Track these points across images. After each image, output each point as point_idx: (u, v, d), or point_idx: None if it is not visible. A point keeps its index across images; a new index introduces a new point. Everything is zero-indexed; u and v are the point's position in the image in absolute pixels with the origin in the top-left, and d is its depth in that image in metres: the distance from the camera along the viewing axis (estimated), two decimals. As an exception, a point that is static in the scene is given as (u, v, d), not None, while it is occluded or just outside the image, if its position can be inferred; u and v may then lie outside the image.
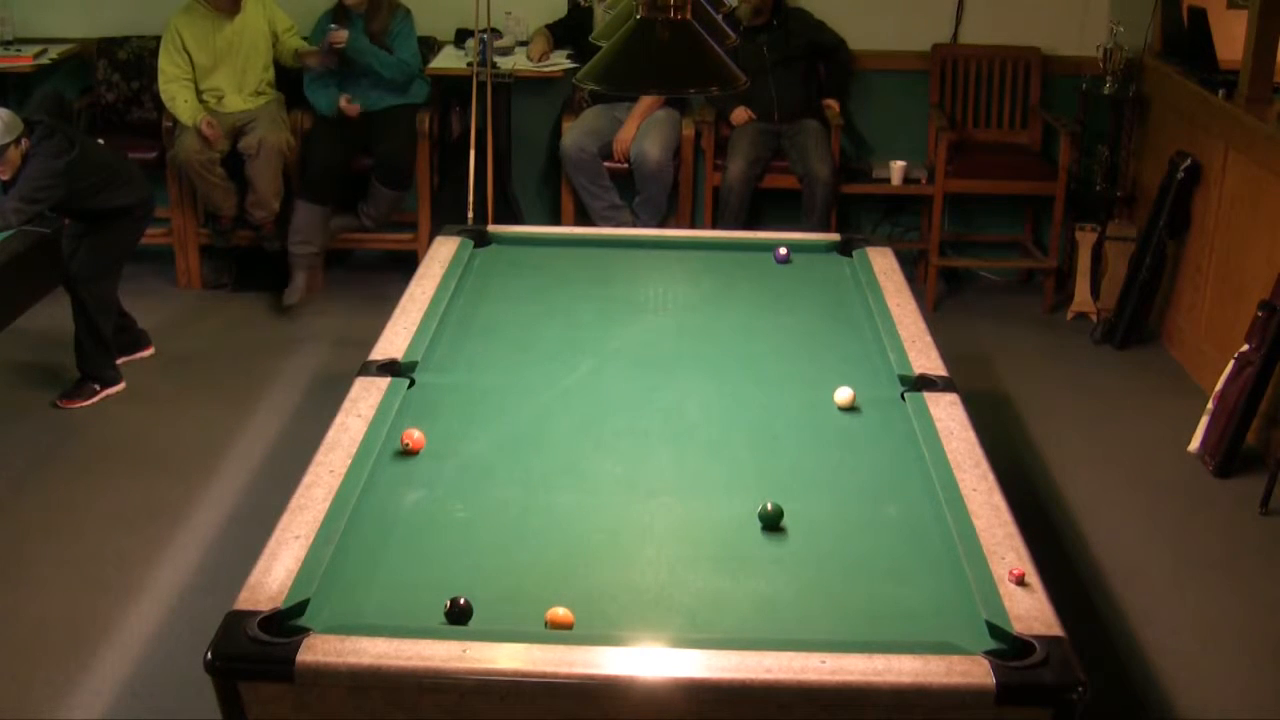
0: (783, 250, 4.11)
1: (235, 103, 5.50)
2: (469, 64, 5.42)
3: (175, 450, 4.36)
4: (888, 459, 2.88)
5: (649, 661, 2.10)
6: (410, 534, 2.54)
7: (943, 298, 5.86)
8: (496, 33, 5.62)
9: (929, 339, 3.42)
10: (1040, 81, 5.85)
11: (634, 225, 5.53)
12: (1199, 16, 5.32)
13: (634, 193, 5.61)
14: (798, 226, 5.35)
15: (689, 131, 5.66)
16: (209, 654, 2.09)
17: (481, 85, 5.37)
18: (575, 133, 5.60)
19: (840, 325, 3.63)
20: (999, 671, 2.06)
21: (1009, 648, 2.14)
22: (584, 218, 5.67)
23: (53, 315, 4.73)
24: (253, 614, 2.17)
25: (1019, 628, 2.18)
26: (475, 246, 4.09)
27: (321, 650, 2.08)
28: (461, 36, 5.78)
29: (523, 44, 5.78)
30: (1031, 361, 5.23)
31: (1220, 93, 4.94)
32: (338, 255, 5.95)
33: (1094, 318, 5.55)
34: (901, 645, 2.14)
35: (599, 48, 2.48)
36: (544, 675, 2.07)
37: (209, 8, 5.44)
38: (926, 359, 3.30)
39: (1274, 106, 4.75)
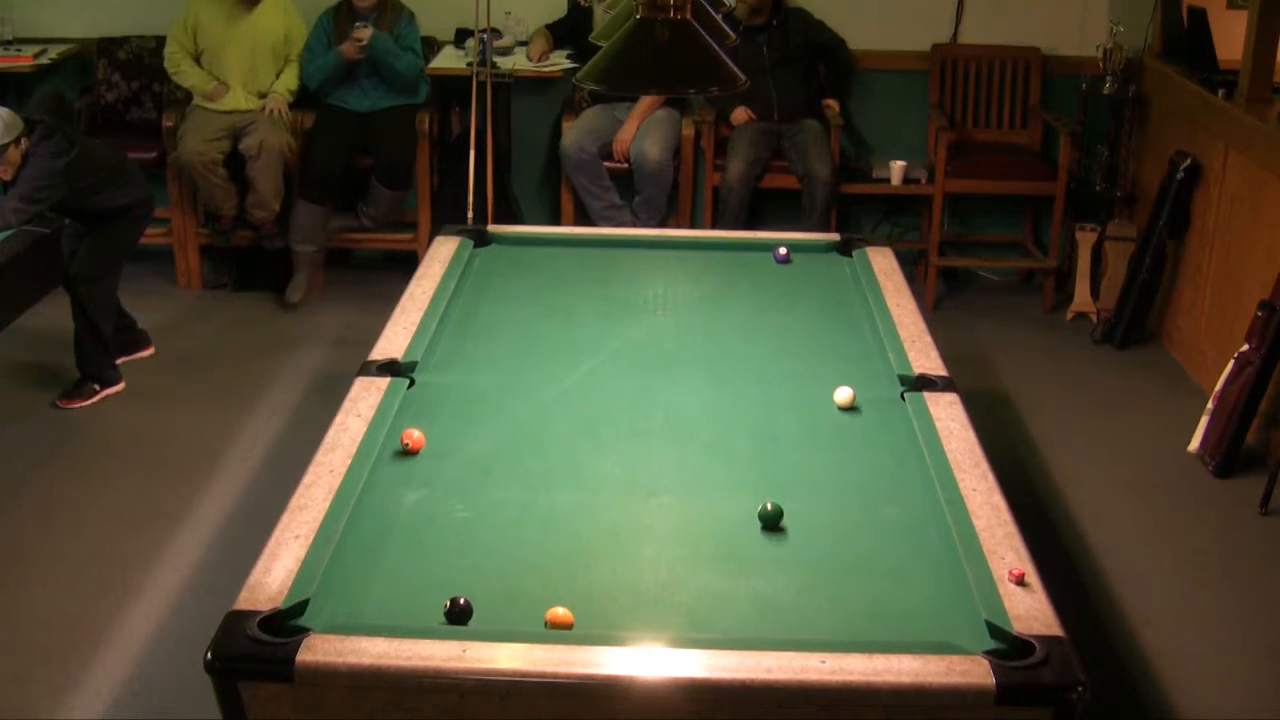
0: (783, 250, 4.11)
1: (238, 97, 5.50)
2: (469, 64, 5.42)
3: (175, 450, 4.36)
4: (888, 459, 2.88)
5: (649, 661, 2.10)
6: (410, 534, 2.54)
7: (943, 298, 5.86)
8: (496, 33, 5.62)
9: (929, 339, 3.42)
10: (1040, 81, 5.85)
11: (634, 225, 5.53)
12: (1199, 16, 5.32)
13: (634, 193, 5.61)
14: (798, 226, 5.34)
15: (689, 131, 5.66)
16: (209, 654, 2.09)
17: (481, 85, 5.37)
18: (575, 133, 5.60)
19: (840, 325, 3.63)
20: (999, 671, 2.06)
21: (1009, 648, 2.14)
22: (584, 218, 5.67)
23: (53, 315, 4.73)
24: (253, 614, 2.17)
25: (1019, 628, 2.18)
26: (475, 246, 4.09)
27: (321, 650, 2.08)
28: (461, 36, 5.78)
29: (523, 44, 5.78)
30: (1031, 361, 5.23)
31: (1220, 93, 4.94)
32: (338, 255, 5.95)
33: (1094, 318, 5.55)
34: (901, 645, 2.13)
35: (599, 48, 2.48)
36: (544, 675, 2.07)
37: None
38: (926, 359, 3.30)
39: (1274, 106, 4.75)
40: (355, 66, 5.56)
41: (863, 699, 2.05)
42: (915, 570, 2.46)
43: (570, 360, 3.35)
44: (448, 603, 2.24)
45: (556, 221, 5.83)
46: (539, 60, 5.61)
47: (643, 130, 5.58)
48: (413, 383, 3.14)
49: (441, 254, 3.96)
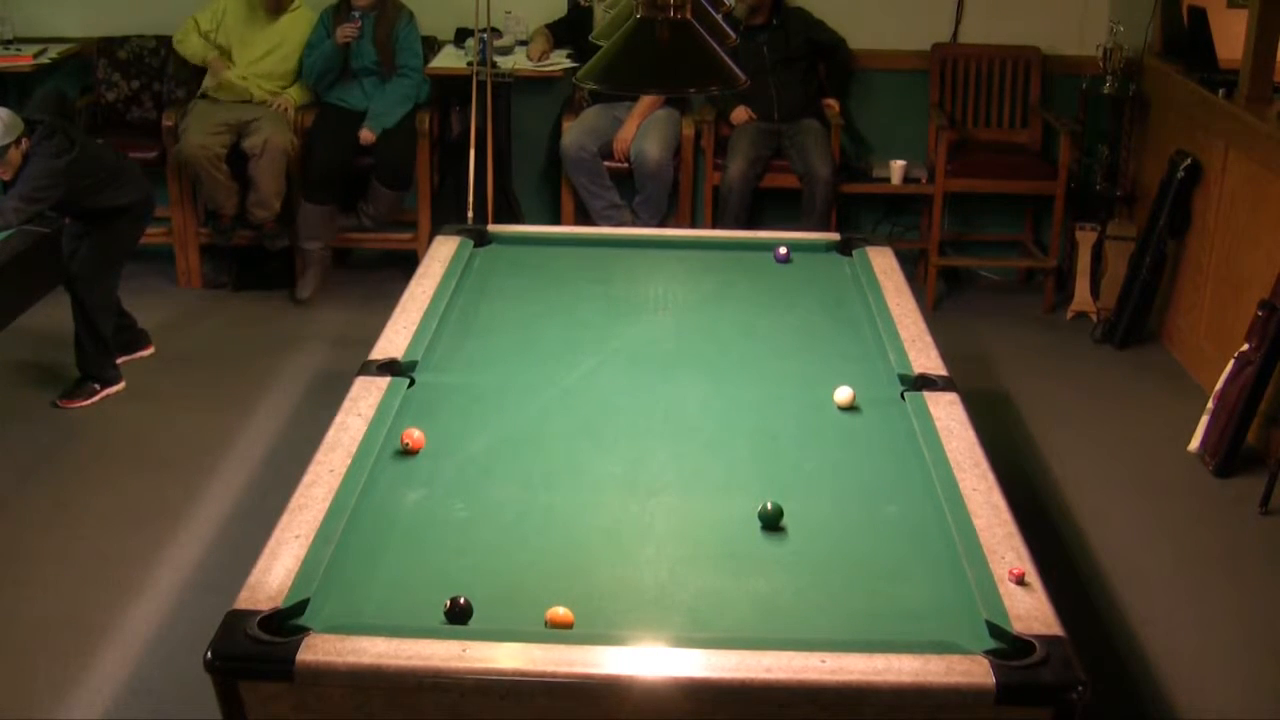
0: (783, 250, 4.11)
1: (236, 82, 5.53)
2: (469, 64, 5.42)
3: (175, 450, 4.36)
4: (888, 459, 2.88)
5: (649, 661, 2.10)
6: (410, 534, 2.54)
7: (943, 297, 5.86)
8: (496, 32, 5.62)
9: (929, 339, 3.42)
10: (1040, 81, 5.85)
11: (634, 225, 5.53)
12: (1199, 16, 5.32)
13: (634, 192, 5.61)
14: (798, 226, 5.35)
15: (689, 131, 5.65)
16: (209, 653, 2.09)
17: (481, 85, 5.37)
18: (575, 132, 5.60)
19: (840, 325, 3.63)
20: (999, 671, 2.05)
21: (1009, 647, 2.14)
22: (584, 217, 5.67)
23: (53, 315, 4.73)
24: (253, 613, 2.17)
25: (1019, 627, 2.18)
26: (475, 246, 4.09)
27: (321, 650, 2.08)
28: (461, 36, 5.78)
29: (523, 44, 5.78)
30: (1031, 361, 5.23)
31: (1220, 92, 4.94)
32: (338, 255, 5.94)
33: (1094, 317, 5.55)
34: (901, 645, 2.13)
35: (599, 47, 2.48)
36: (544, 675, 2.07)
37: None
38: (926, 359, 3.30)
39: (1274, 106, 4.75)
40: (355, 66, 5.56)
41: (863, 699, 2.05)
42: (915, 570, 2.46)
43: (570, 360, 3.35)
44: (448, 602, 2.24)
45: (556, 221, 5.83)
46: (539, 60, 5.61)
47: (643, 130, 5.58)
48: (413, 382, 3.14)
49: (441, 253, 3.96)
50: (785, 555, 2.51)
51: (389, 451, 2.82)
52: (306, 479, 2.63)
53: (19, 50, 5.69)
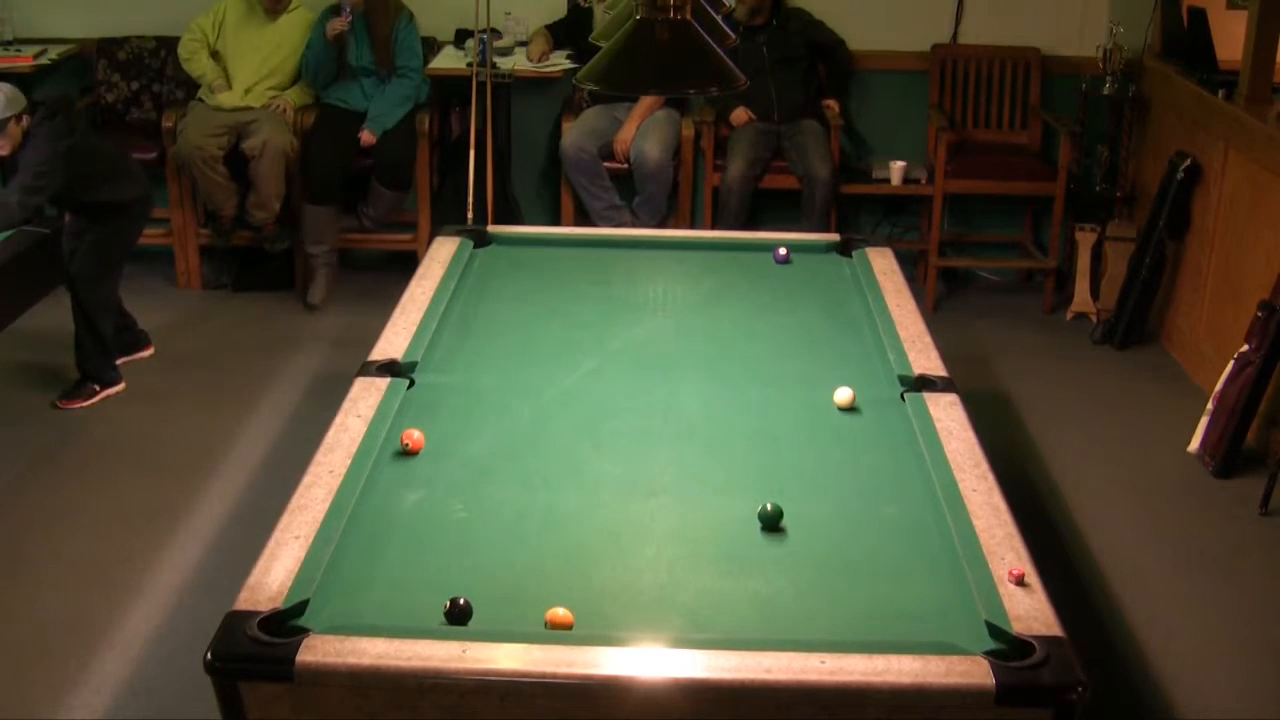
0: (782, 250, 4.11)
1: (237, 97, 5.52)
2: (469, 64, 5.43)
3: (175, 450, 4.36)
4: (887, 459, 2.88)
5: (649, 662, 2.10)
6: (410, 534, 2.54)
7: (943, 298, 5.86)
8: (496, 33, 5.63)
9: (929, 339, 3.42)
10: (1040, 81, 5.85)
11: (634, 225, 5.53)
12: (1199, 16, 5.32)
13: (634, 193, 5.61)
14: (797, 227, 5.35)
15: (689, 132, 5.66)
16: (209, 654, 2.09)
17: (481, 85, 5.37)
18: (575, 133, 5.60)
19: (840, 325, 3.63)
20: (999, 672, 2.06)
21: (1009, 648, 2.14)
22: (584, 218, 5.67)
23: (53, 315, 4.73)
24: (252, 614, 2.17)
25: (1019, 628, 2.18)
26: (475, 247, 4.09)
27: (321, 650, 2.08)
28: (461, 37, 5.78)
29: (522, 44, 5.78)
30: (1031, 361, 5.23)
31: (1220, 93, 4.94)
32: (338, 255, 5.94)
33: (1094, 318, 5.55)
34: (901, 645, 2.13)
35: (599, 48, 2.48)
36: (544, 675, 2.07)
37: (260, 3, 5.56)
38: (926, 359, 3.30)
39: (1274, 106, 4.75)
40: (355, 67, 5.56)
41: (863, 699, 2.05)
42: (915, 570, 2.46)
43: (570, 361, 3.35)
44: (447, 603, 2.24)
45: (556, 221, 5.83)
46: (539, 60, 5.61)
47: (643, 130, 5.58)
48: (413, 383, 3.14)
49: (441, 254, 3.96)
50: (785, 556, 2.51)
51: (389, 452, 2.82)
52: (306, 480, 2.63)
53: (19, 51, 5.69)
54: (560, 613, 2.23)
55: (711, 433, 3.01)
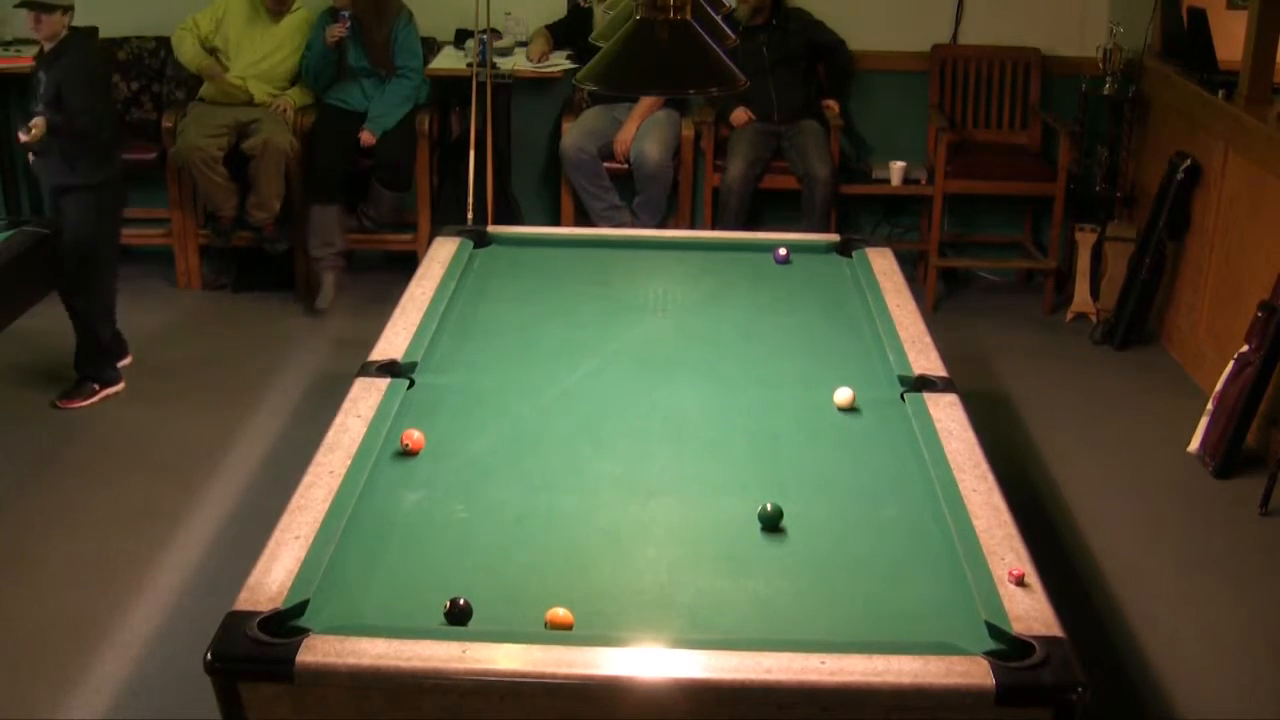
0: (782, 251, 4.11)
1: (234, 84, 5.54)
2: (469, 64, 5.43)
3: (175, 450, 4.36)
4: (887, 460, 2.88)
5: (649, 662, 2.10)
6: (410, 534, 2.54)
7: (943, 298, 5.86)
8: (496, 33, 5.63)
9: (929, 339, 3.42)
10: (1040, 82, 5.85)
11: (634, 226, 5.53)
12: (1199, 16, 5.32)
13: (634, 193, 5.61)
14: (797, 227, 5.35)
15: (689, 132, 5.66)
16: (209, 654, 2.09)
17: (481, 86, 5.37)
18: (575, 133, 5.60)
19: (840, 326, 3.63)
20: (999, 672, 2.06)
21: (1009, 648, 2.14)
22: (584, 218, 5.68)
23: (53, 315, 4.72)
24: (252, 614, 2.17)
25: (1018, 628, 2.19)
26: (475, 247, 4.09)
27: (321, 651, 2.08)
28: (461, 37, 5.78)
29: (522, 44, 5.78)
30: (1031, 361, 5.24)
31: (1220, 93, 4.94)
32: (345, 258, 5.93)
33: (1094, 318, 5.55)
34: (901, 646, 2.14)
35: (599, 48, 2.48)
36: (544, 676, 2.07)
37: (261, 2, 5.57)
38: (926, 359, 3.30)
39: (1274, 106, 4.75)
40: (355, 67, 5.56)
41: (863, 699, 2.05)
42: (915, 570, 2.46)
43: (570, 361, 3.35)
44: (447, 603, 2.24)
45: (556, 222, 5.83)
46: (539, 61, 5.61)
47: (643, 131, 5.58)
48: (412, 383, 3.14)
49: (441, 255, 3.96)
50: (785, 556, 2.51)
51: (389, 453, 2.82)
52: (306, 480, 2.63)
53: (19, 51, 5.68)
54: (560, 613, 2.24)
55: (711, 433, 3.01)
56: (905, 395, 3.12)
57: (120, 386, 4.73)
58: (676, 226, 5.66)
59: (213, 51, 5.57)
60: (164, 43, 5.76)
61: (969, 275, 6.09)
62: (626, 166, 5.59)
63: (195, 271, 5.79)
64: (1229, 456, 4.31)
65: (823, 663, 2.07)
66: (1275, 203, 4.45)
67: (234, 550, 3.69)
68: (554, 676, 2.07)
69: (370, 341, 3.34)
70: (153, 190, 5.66)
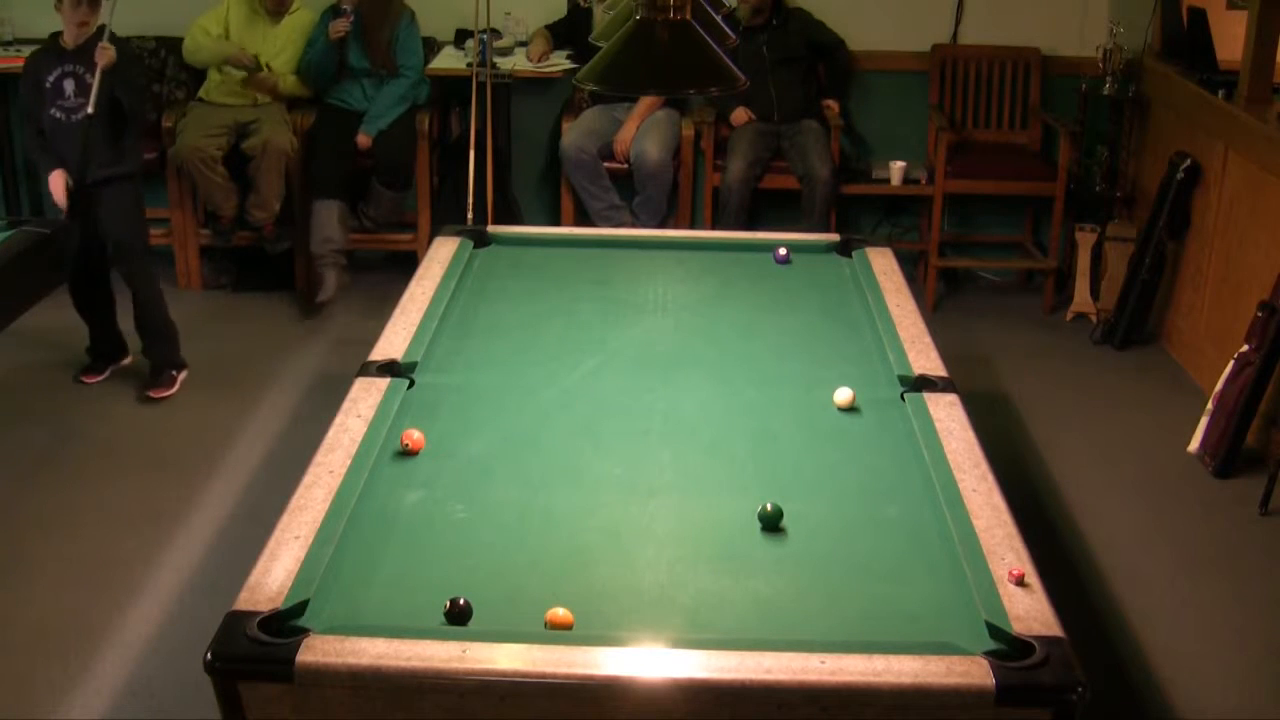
0: (782, 251, 4.11)
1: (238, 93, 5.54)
2: (469, 64, 5.43)
3: (175, 450, 4.37)
4: (887, 459, 2.88)
5: (649, 662, 2.10)
6: (410, 534, 2.54)
7: (943, 298, 5.86)
8: (496, 33, 5.63)
9: (929, 339, 3.42)
10: (1040, 82, 5.85)
11: (634, 225, 5.53)
12: (1199, 17, 5.32)
13: (634, 193, 5.61)
14: (797, 227, 5.34)
15: (689, 132, 5.66)
16: (209, 654, 2.09)
17: (481, 86, 5.37)
18: (575, 133, 5.60)
19: (840, 325, 3.63)
20: (999, 672, 2.06)
21: (1009, 648, 2.14)
22: (584, 218, 5.68)
23: (53, 315, 4.72)
24: (252, 614, 2.17)
25: (1019, 628, 2.18)
26: (475, 247, 4.09)
27: (321, 651, 2.08)
28: (461, 37, 5.78)
29: (522, 44, 5.78)
30: (1031, 361, 5.24)
31: (1220, 93, 4.94)
32: (346, 256, 5.93)
33: (1094, 318, 5.55)
34: (901, 646, 2.14)
35: (599, 48, 2.48)
36: (544, 676, 2.07)
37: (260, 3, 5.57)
38: (926, 359, 3.30)
39: (1274, 106, 4.75)
40: (355, 67, 5.56)
41: (863, 699, 2.05)
42: (915, 570, 2.46)
43: (570, 361, 3.35)
44: (448, 603, 2.24)
45: (556, 222, 5.83)
46: (539, 61, 5.62)
47: (643, 130, 5.58)
48: (413, 383, 3.14)
49: (441, 254, 3.96)
50: (785, 556, 2.51)
51: (389, 452, 2.82)
52: (306, 480, 2.63)
53: (19, 51, 5.68)
54: (560, 613, 2.23)
55: (711, 433, 3.01)
56: (905, 395, 3.12)
57: (130, 359, 4.85)
58: (676, 226, 5.66)
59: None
60: (164, 43, 5.77)
61: (969, 275, 6.09)
62: (626, 166, 5.59)
63: (195, 271, 5.79)
64: (1229, 456, 4.31)
65: (823, 663, 2.07)
66: (1275, 203, 4.45)
67: (234, 550, 3.69)
68: (554, 676, 2.07)
69: (370, 341, 3.34)
70: (153, 190, 5.64)
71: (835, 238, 4.32)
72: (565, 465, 2.84)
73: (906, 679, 2.05)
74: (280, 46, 5.59)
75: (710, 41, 2.38)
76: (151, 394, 4.67)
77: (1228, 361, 4.36)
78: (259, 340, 5.28)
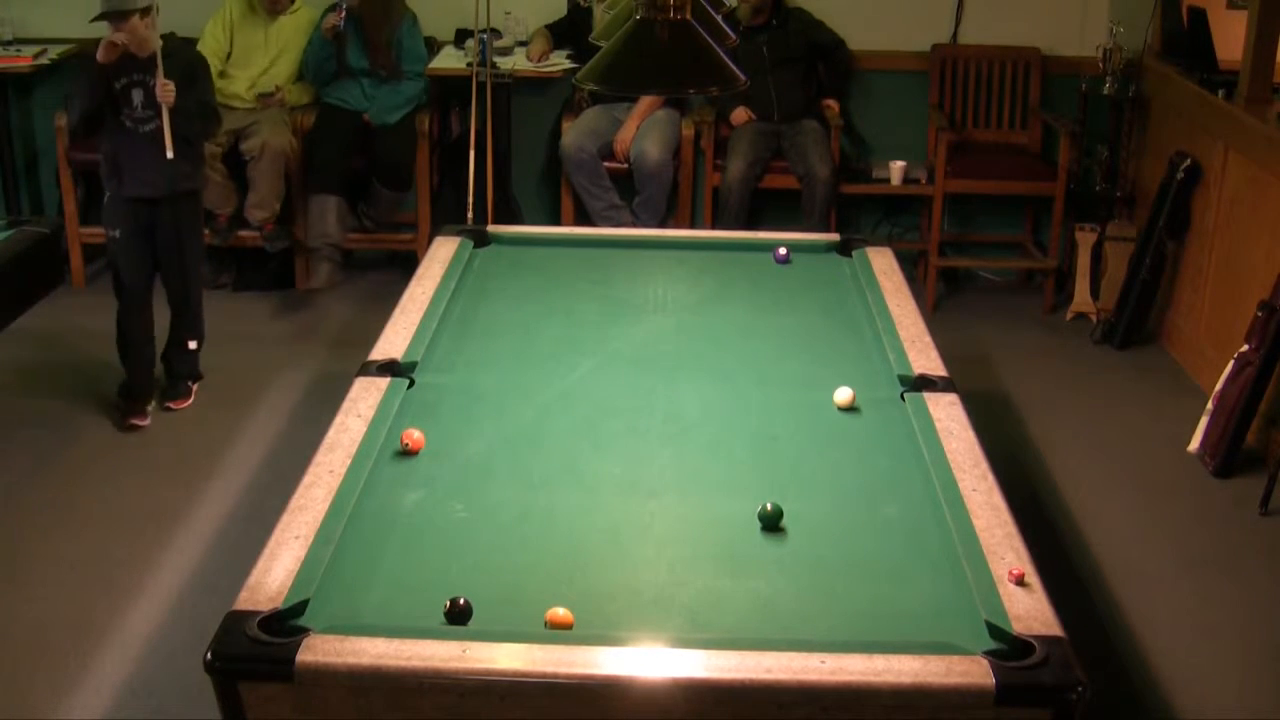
0: (782, 250, 4.11)
1: (242, 85, 5.55)
2: (469, 64, 5.43)
3: (175, 450, 4.36)
4: (887, 459, 2.88)
5: (649, 661, 2.10)
6: (410, 534, 2.54)
7: (943, 298, 5.86)
8: (496, 33, 5.63)
9: (929, 339, 3.42)
10: (1040, 82, 5.86)
11: (634, 225, 5.53)
12: (1199, 16, 5.32)
13: (634, 193, 5.61)
14: (797, 226, 5.34)
15: (689, 131, 5.66)
16: (209, 654, 2.09)
17: (481, 85, 5.37)
18: (575, 133, 5.60)
19: (840, 325, 3.63)
20: (999, 672, 2.06)
21: (1009, 648, 2.14)
22: (584, 218, 5.67)
23: (53, 315, 4.73)
24: (252, 614, 2.17)
25: (1019, 628, 2.18)
26: (475, 246, 4.09)
27: (321, 650, 2.08)
28: (461, 37, 5.78)
29: (522, 44, 5.78)
30: (1031, 361, 5.24)
31: (1220, 93, 4.94)
32: (343, 254, 5.93)
33: (1094, 318, 5.55)
34: (901, 645, 2.14)
35: (599, 48, 2.48)
36: (544, 675, 2.07)
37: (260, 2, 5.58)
38: (926, 359, 3.30)
39: (1274, 106, 4.75)
40: (355, 67, 5.56)
41: (863, 699, 2.05)
42: (915, 570, 2.46)
43: (570, 360, 3.35)
44: (448, 603, 2.24)
45: (556, 221, 5.83)
46: (539, 60, 5.62)
47: (643, 130, 5.58)
48: (413, 383, 3.14)
49: (441, 254, 3.96)
50: (785, 556, 2.51)
51: (389, 452, 2.82)
52: (306, 480, 2.63)
53: (19, 51, 5.69)
54: (560, 613, 2.23)
55: (711, 433, 3.01)
56: (905, 395, 3.12)
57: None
58: (676, 226, 5.67)
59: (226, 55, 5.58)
60: (164, 42, 5.75)
61: (969, 275, 6.09)
62: (626, 166, 5.59)
63: (195, 271, 5.78)
64: (1229, 456, 4.31)
65: (823, 662, 2.07)
66: (1275, 203, 4.45)
67: (234, 550, 3.69)
68: (554, 676, 2.07)
69: (370, 341, 3.34)
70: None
71: (835, 237, 4.32)
72: (565, 465, 2.84)
73: (906, 679, 2.05)
74: (281, 46, 5.59)
75: (710, 41, 2.38)
76: (172, 405, 4.64)
77: (1228, 361, 4.36)
78: (259, 340, 5.28)
